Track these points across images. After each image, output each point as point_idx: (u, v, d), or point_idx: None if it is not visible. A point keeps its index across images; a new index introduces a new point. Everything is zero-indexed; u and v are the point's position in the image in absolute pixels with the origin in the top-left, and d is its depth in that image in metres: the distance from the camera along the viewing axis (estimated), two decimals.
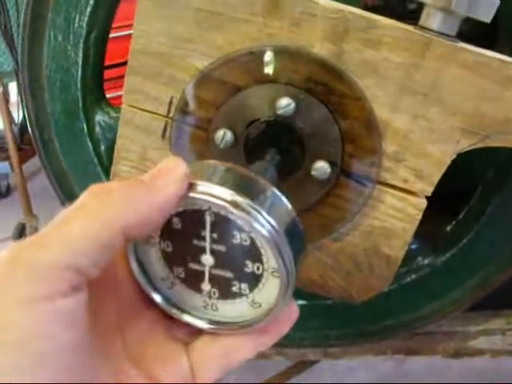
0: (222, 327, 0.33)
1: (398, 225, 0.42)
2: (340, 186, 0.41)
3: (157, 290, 0.33)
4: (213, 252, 0.31)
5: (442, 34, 0.38)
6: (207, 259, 0.32)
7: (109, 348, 0.30)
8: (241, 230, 0.30)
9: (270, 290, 0.31)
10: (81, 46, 0.56)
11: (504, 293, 0.58)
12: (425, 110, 0.39)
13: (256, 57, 0.39)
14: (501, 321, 0.66)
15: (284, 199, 0.32)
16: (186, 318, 0.33)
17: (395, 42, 0.38)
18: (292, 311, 0.33)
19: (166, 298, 0.33)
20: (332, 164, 0.40)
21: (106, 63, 0.60)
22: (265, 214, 0.29)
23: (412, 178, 0.41)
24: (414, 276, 0.57)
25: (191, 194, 0.29)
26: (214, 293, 0.33)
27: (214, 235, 0.31)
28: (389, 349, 0.65)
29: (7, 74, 2.18)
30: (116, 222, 0.26)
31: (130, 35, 0.42)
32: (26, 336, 0.23)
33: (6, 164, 2.10)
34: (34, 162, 2.01)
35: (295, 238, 0.31)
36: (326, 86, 0.39)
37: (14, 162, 1.79)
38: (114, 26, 0.58)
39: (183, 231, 0.31)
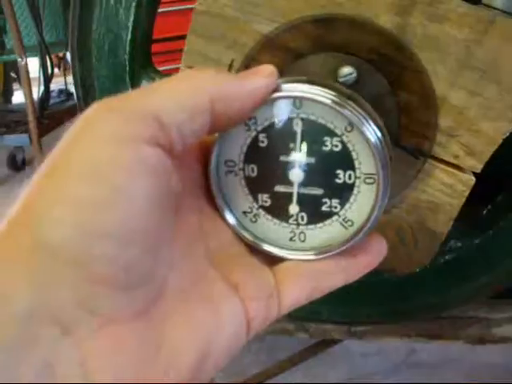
0: (309, 256, 0.32)
1: (446, 200, 0.43)
2: (393, 157, 0.42)
3: (240, 222, 0.33)
4: (302, 166, 0.31)
5: (505, 12, 0.38)
6: (296, 174, 0.31)
7: (189, 246, 0.30)
8: (332, 134, 0.30)
9: (362, 202, 0.31)
10: (132, 10, 0.56)
11: None
12: (482, 87, 0.40)
13: (321, 25, 0.40)
14: None
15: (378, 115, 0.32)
16: (272, 249, 0.33)
17: (460, 17, 0.38)
18: (381, 244, 0.33)
19: (249, 232, 0.33)
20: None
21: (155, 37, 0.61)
22: (362, 110, 0.29)
23: (463, 154, 0.42)
24: (446, 258, 0.57)
25: (284, 90, 0.29)
26: (302, 218, 0.32)
27: (303, 146, 0.30)
28: (413, 332, 0.66)
29: (27, 49, 2.19)
30: (204, 87, 0.26)
31: (179, 11, 0.42)
32: (108, 168, 0.23)
33: (22, 137, 2.11)
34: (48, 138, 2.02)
35: (387, 145, 0.30)
36: (387, 57, 0.40)
37: (33, 135, 1.80)
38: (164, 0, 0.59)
39: (269, 148, 0.31)
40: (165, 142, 0.25)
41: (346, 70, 0.39)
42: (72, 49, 0.60)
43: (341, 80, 0.39)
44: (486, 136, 0.41)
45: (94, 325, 0.23)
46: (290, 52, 0.41)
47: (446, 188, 0.43)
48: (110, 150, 0.23)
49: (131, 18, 0.57)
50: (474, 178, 0.42)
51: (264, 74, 0.29)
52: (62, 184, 0.23)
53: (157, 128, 0.25)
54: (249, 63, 0.42)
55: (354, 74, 0.39)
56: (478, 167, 0.42)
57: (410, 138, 0.41)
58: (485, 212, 0.57)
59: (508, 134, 0.41)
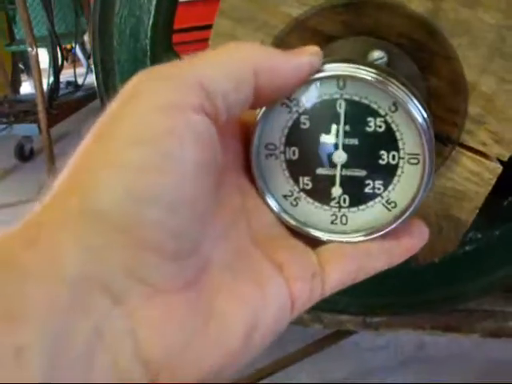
0: (352, 238, 0.32)
1: (472, 188, 0.43)
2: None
3: (280, 205, 0.33)
4: (345, 148, 0.31)
5: None
6: (339, 156, 0.31)
7: (232, 223, 0.30)
8: (375, 114, 0.30)
9: (406, 183, 0.31)
10: None
11: None
12: None
13: (352, 8, 0.39)
14: None
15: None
16: (314, 232, 0.33)
17: (492, 2, 0.38)
18: (422, 227, 0.33)
19: (290, 215, 0.33)
20: None
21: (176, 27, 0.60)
22: (406, 88, 0.29)
23: (491, 142, 0.41)
24: (465, 249, 0.57)
25: (327, 70, 0.29)
26: (345, 200, 0.32)
27: (346, 127, 0.30)
28: (428, 324, 0.66)
29: (37, 40, 2.19)
30: (249, 58, 0.27)
31: (202, 1, 0.42)
32: (156, 135, 0.23)
33: (31, 127, 2.11)
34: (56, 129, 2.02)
35: (431, 124, 0.30)
36: (418, 42, 0.39)
37: (43, 125, 1.80)
38: None
39: (311, 130, 0.31)
40: (211, 111, 0.25)
41: (377, 54, 0.39)
42: (93, 32, 0.60)
43: None
44: None
45: (144, 294, 0.23)
46: (320, 35, 0.40)
47: (473, 176, 0.42)
48: (158, 116, 0.23)
49: (154, 2, 0.56)
50: (500, 167, 0.42)
51: (309, 52, 0.29)
52: (111, 149, 0.23)
53: (203, 96, 0.25)
54: (278, 46, 0.41)
55: (385, 59, 0.39)
56: (506, 155, 0.41)
57: (438, 125, 0.41)
58: (506, 203, 0.57)
59: None
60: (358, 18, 0.39)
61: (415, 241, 0.33)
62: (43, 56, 2.40)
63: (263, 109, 0.31)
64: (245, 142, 0.32)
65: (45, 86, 2.09)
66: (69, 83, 2.76)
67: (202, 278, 0.26)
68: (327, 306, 0.63)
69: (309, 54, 0.29)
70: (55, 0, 2.17)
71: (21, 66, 3.40)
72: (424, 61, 0.40)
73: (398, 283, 0.59)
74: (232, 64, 0.26)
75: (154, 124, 0.23)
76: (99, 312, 0.22)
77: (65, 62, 2.72)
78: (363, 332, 0.73)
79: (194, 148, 0.24)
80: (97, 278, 0.22)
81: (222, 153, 0.27)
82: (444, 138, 0.41)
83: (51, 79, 2.25)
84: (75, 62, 2.67)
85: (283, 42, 0.41)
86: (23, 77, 3.46)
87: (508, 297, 0.65)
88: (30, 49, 1.83)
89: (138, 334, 0.23)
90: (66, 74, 2.94)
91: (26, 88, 3.37)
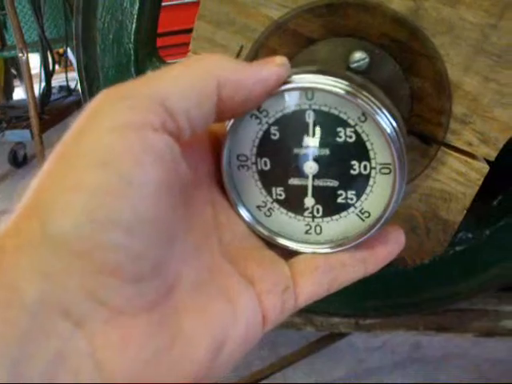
0: (326, 249, 0.32)
1: (459, 189, 0.42)
2: (405, 145, 0.41)
3: (253, 217, 0.33)
4: (316, 158, 0.30)
5: None
6: (311, 166, 0.30)
7: (203, 239, 0.29)
8: (345, 124, 0.29)
9: (379, 192, 0.30)
10: None
11: None
12: (497, 73, 0.39)
13: (332, 9, 0.39)
14: None
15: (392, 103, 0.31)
16: (288, 243, 0.32)
17: (474, 1, 0.38)
18: (399, 233, 0.33)
19: (264, 226, 0.33)
20: None
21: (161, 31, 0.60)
22: (375, 99, 0.28)
23: (477, 142, 0.41)
24: (455, 249, 0.57)
25: (295, 81, 0.28)
26: (318, 210, 0.32)
27: (316, 138, 0.30)
28: (420, 325, 0.65)
29: (28, 45, 2.18)
30: (211, 71, 0.26)
31: (185, 4, 0.41)
32: (115, 157, 0.23)
33: (24, 132, 2.11)
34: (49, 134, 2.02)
35: (402, 133, 0.30)
36: (400, 42, 0.39)
37: (35, 131, 1.79)
38: None
39: (282, 141, 0.30)
40: (172, 128, 0.25)
41: (358, 56, 0.38)
42: (76, 38, 0.59)
43: (353, 66, 0.39)
44: (500, 123, 0.40)
45: (104, 317, 0.23)
46: (301, 37, 0.40)
47: (459, 176, 0.42)
48: (116, 137, 0.23)
49: (136, 6, 0.56)
50: (487, 166, 0.41)
51: (275, 63, 0.28)
52: (71, 172, 0.23)
53: (164, 114, 0.24)
54: (258, 49, 0.41)
55: (367, 60, 0.38)
56: (492, 155, 0.41)
57: (422, 125, 0.41)
58: (495, 202, 0.56)
59: None
60: (338, 19, 0.39)
61: (390, 249, 0.33)
62: (35, 61, 2.39)
63: (232, 120, 0.30)
64: (216, 155, 0.32)
65: (37, 91, 2.08)
66: (61, 88, 2.75)
67: (168, 296, 0.26)
68: (319, 308, 0.62)
69: (275, 66, 0.28)
70: (45, 5, 2.16)
71: (13, 71, 3.38)
72: (407, 61, 0.39)
73: (390, 285, 0.59)
74: (194, 79, 0.26)
75: (112, 145, 0.23)
76: (60, 336, 0.21)
77: (57, 67, 2.71)
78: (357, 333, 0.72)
79: (154, 168, 0.23)
80: (57, 302, 0.21)
81: (189, 168, 0.26)
82: (429, 139, 0.41)
83: (43, 84, 2.24)
84: (67, 67, 2.66)
85: (263, 45, 0.41)
86: (16, 82, 3.45)
87: (501, 296, 0.65)
88: (20, 54, 1.82)
89: (98, 356, 0.22)
90: (59, 79, 2.93)
91: (19, 94, 3.36)
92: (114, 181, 0.22)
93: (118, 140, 0.23)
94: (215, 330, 0.26)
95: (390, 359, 1.11)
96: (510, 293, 0.65)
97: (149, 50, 0.58)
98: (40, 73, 2.26)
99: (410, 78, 0.40)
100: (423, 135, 0.41)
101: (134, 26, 0.57)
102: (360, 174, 0.30)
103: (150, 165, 0.23)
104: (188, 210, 0.29)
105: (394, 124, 0.29)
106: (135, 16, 0.56)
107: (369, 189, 0.31)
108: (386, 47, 0.39)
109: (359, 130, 0.29)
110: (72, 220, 0.22)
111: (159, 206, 0.24)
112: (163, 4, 0.60)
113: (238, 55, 0.42)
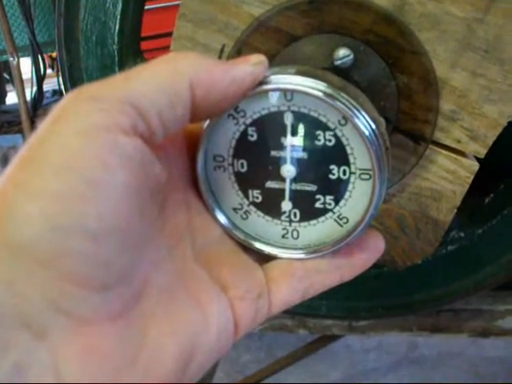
0: (302, 255, 0.31)
1: (448, 187, 0.41)
2: (393, 143, 0.40)
3: (229, 219, 0.32)
4: (294, 162, 0.29)
5: None
6: (288, 170, 0.29)
7: (176, 243, 0.29)
8: (325, 128, 0.28)
9: (358, 198, 0.29)
10: None
11: None
12: (484, 68, 0.38)
13: (315, 6, 0.38)
14: None
15: (373, 106, 0.30)
16: (264, 247, 0.32)
17: None
18: (378, 240, 0.32)
19: (240, 230, 0.32)
20: (386, 120, 0.39)
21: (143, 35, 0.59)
22: (355, 102, 0.27)
23: (466, 139, 0.40)
24: (448, 249, 0.56)
25: (273, 82, 0.27)
26: (295, 214, 0.31)
27: (295, 140, 0.29)
28: (415, 325, 0.64)
29: (20, 49, 2.15)
30: (184, 71, 0.25)
31: (170, 7, 0.41)
32: (82, 162, 0.22)
33: (16, 137, 2.09)
34: None
35: (383, 137, 0.29)
36: (385, 38, 0.38)
37: (27, 135, 1.78)
38: None
39: (259, 143, 0.29)
40: (144, 131, 0.24)
41: (342, 52, 0.38)
42: (59, 40, 0.58)
43: (337, 63, 0.38)
44: (489, 119, 0.39)
45: (67, 327, 0.22)
46: (284, 35, 0.39)
47: (449, 174, 0.41)
48: (83, 140, 0.22)
49: (119, 7, 0.55)
50: (477, 164, 0.40)
51: (251, 62, 0.27)
52: (35, 177, 0.22)
53: (134, 116, 0.23)
54: (240, 48, 0.40)
55: (351, 56, 0.38)
56: (482, 152, 0.40)
57: (410, 123, 0.40)
58: (487, 201, 0.55)
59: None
60: (321, 15, 0.38)
61: (369, 255, 0.32)
62: (28, 65, 2.37)
63: (208, 120, 0.29)
64: (192, 155, 0.31)
65: (30, 95, 2.07)
66: (55, 92, 2.73)
67: (136, 304, 0.25)
68: (310, 311, 0.61)
69: (251, 65, 0.27)
70: (35, 8, 2.15)
71: (6, 75, 3.37)
72: (392, 57, 0.38)
73: (382, 286, 0.58)
74: (166, 79, 0.24)
75: (79, 149, 0.22)
76: (19, 347, 0.20)
77: (50, 71, 2.70)
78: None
79: (122, 173, 0.22)
80: (17, 313, 0.20)
81: (162, 171, 0.25)
82: (417, 137, 0.40)
83: (34, 88, 2.22)
84: (59, 71, 2.64)
85: (246, 43, 0.40)
86: (9, 87, 3.43)
87: (495, 295, 0.64)
88: (11, 59, 1.80)
89: (60, 368, 0.21)
90: (52, 83, 2.91)
91: (13, 98, 3.34)
92: (79, 186, 0.21)
93: (85, 143, 0.22)
94: (184, 338, 0.26)
95: (386, 360, 1.11)
96: (504, 291, 0.64)
97: (133, 52, 0.57)
98: (32, 77, 2.24)
99: (396, 74, 0.39)
100: (411, 133, 0.40)
101: (117, 27, 0.56)
102: (339, 178, 0.29)
103: (118, 169, 0.22)
104: (161, 212, 0.28)
105: (373, 126, 0.28)
106: (118, 17, 0.55)
107: (348, 194, 0.30)
108: (371, 44, 0.38)
109: (339, 134, 0.28)
110: (35, 227, 0.21)
111: (128, 212, 0.23)
112: (149, 7, 0.59)
113: (220, 54, 0.41)
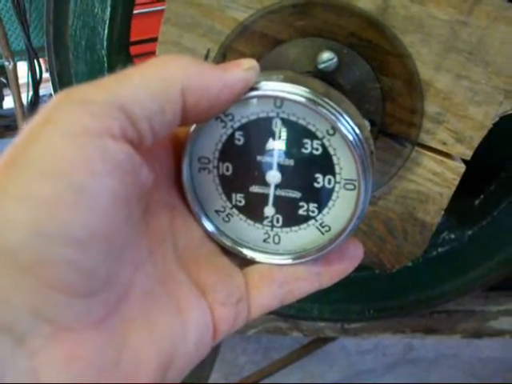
0: (283, 261, 0.31)
1: (435, 189, 0.41)
2: (378, 146, 0.40)
3: (211, 222, 0.32)
4: (279, 167, 0.29)
5: None
6: (274, 175, 0.30)
7: (158, 245, 0.28)
8: (312, 136, 0.28)
9: (341, 207, 0.30)
10: (109, 2, 0.54)
11: None
12: (469, 70, 0.38)
13: (299, 10, 0.38)
14: None
15: (358, 112, 0.30)
16: (245, 251, 0.32)
17: None
18: (357, 248, 0.32)
19: (221, 232, 0.32)
20: (371, 123, 0.39)
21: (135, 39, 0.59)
22: (345, 114, 0.27)
23: (451, 141, 0.40)
24: (439, 251, 0.56)
25: (262, 89, 0.27)
26: (278, 220, 0.31)
27: (281, 147, 0.29)
28: (407, 327, 0.64)
29: (16, 54, 2.15)
30: (175, 76, 0.25)
31: (158, 12, 0.40)
32: (70, 167, 0.21)
33: (12, 142, 2.09)
34: None
35: (368, 149, 0.29)
36: (369, 41, 0.38)
37: None
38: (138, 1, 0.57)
39: (246, 147, 0.30)
40: (133, 136, 0.23)
41: (326, 56, 0.38)
42: (48, 45, 0.58)
43: (321, 66, 0.38)
44: (474, 121, 0.39)
45: (50, 334, 0.21)
46: (268, 39, 0.39)
47: (435, 177, 0.41)
48: (71, 145, 0.21)
49: (108, 12, 0.55)
50: (464, 166, 0.40)
51: (243, 68, 0.27)
52: (20, 182, 0.21)
53: (124, 121, 0.23)
54: (225, 52, 0.40)
55: (335, 60, 0.38)
56: (468, 154, 0.40)
57: (395, 126, 0.40)
58: (477, 202, 0.55)
59: (497, 119, 0.39)
60: (305, 19, 0.38)
61: (347, 264, 0.32)
62: (25, 70, 2.37)
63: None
64: (177, 156, 0.30)
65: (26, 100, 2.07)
66: (51, 96, 2.74)
67: (117, 310, 0.24)
68: (302, 313, 0.61)
69: (243, 70, 0.27)
70: (31, 13, 2.15)
71: (3, 80, 3.37)
72: (376, 60, 0.38)
73: (373, 288, 0.58)
74: (157, 83, 0.24)
75: (67, 153, 0.21)
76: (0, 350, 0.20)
77: (48, 75, 2.70)
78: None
79: (110, 179, 0.22)
80: None
81: (148, 174, 0.25)
82: (402, 140, 0.40)
83: (31, 93, 2.23)
84: None
85: (230, 48, 0.40)
86: (6, 91, 3.43)
87: (487, 296, 0.64)
88: (7, 63, 1.80)
89: (40, 374, 0.21)
90: (49, 87, 2.91)
91: (10, 103, 3.34)
92: (66, 192, 0.21)
93: (73, 148, 0.21)
94: (164, 342, 0.25)
95: (382, 361, 1.10)
96: (496, 292, 0.64)
97: (122, 56, 0.57)
98: (28, 81, 2.24)
99: (381, 77, 0.39)
100: (396, 136, 0.40)
101: (106, 32, 0.56)
102: (324, 187, 0.30)
103: (106, 175, 0.22)
104: (144, 214, 0.27)
105: (357, 131, 0.28)
106: (107, 22, 0.55)
107: (331, 203, 0.30)
108: (355, 47, 0.38)
109: (326, 144, 0.28)
110: (18, 233, 0.20)
111: (114, 219, 0.22)
112: (139, 11, 0.59)
113: (205, 59, 0.41)
